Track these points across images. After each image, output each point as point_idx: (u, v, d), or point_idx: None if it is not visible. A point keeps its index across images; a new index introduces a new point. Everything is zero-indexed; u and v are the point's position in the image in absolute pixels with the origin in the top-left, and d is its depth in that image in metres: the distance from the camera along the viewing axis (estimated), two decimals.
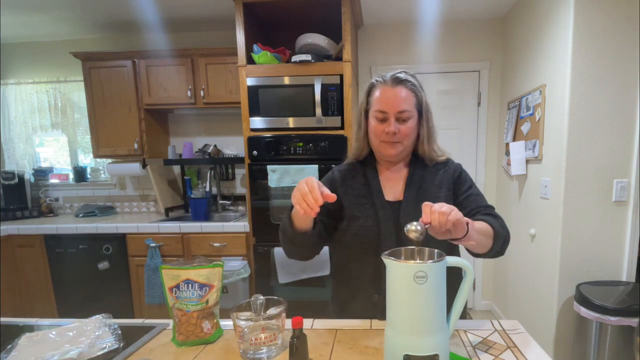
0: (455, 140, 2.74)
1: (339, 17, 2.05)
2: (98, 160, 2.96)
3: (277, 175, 2.14)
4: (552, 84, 1.89)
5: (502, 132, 2.58)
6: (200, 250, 2.32)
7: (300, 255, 0.97)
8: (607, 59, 1.70)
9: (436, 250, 0.70)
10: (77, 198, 3.01)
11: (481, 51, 2.65)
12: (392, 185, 0.99)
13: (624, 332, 1.58)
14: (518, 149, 2.22)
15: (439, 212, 0.69)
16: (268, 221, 2.22)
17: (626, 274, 1.82)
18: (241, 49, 2.12)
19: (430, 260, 0.67)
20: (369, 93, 0.97)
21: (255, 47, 2.12)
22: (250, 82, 2.12)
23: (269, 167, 2.14)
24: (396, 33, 2.67)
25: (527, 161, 2.19)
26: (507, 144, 2.41)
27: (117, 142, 2.59)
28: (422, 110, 0.94)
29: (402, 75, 0.92)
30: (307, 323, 0.92)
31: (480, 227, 0.82)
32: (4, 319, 1.00)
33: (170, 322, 0.91)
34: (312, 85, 2.08)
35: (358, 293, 0.97)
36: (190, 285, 0.83)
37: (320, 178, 2.16)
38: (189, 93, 2.48)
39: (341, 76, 2.07)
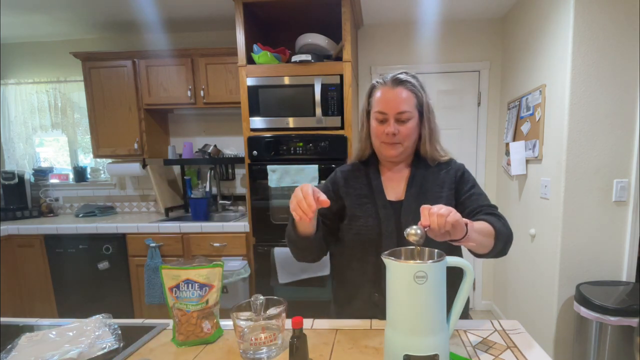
0: (455, 140, 2.74)
1: (339, 17, 2.05)
2: (98, 160, 2.96)
3: (277, 175, 2.14)
4: (552, 84, 1.89)
5: (502, 132, 2.58)
6: (200, 250, 2.32)
7: (306, 258, 0.99)
8: (607, 59, 1.70)
9: (436, 250, 0.70)
10: (77, 198, 3.01)
11: (481, 51, 2.65)
12: (394, 186, 0.99)
13: (624, 332, 1.58)
14: (518, 149, 2.22)
15: (437, 215, 0.69)
16: (268, 221, 2.22)
17: (626, 274, 1.82)
18: (241, 49, 2.12)
19: (430, 260, 0.67)
20: (370, 94, 0.97)
21: (255, 47, 2.12)
22: (250, 82, 2.12)
23: (269, 167, 2.14)
24: (396, 33, 2.67)
25: (527, 161, 2.19)
26: (507, 144, 2.41)
27: (117, 142, 2.59)
28: (423, 111, 0.94)
29: (402, 76, 0.92)
30: (307, 323, 0.92)
31: (480, 227, 0.81)
32: (4, 319, 1.00)
33: (170, 322, 0.91)
34: (312, 85, 2.08)
35: (358, 292, 0.97)
36: (190, 285, 0.83)
37: (320, 178, 2.17)
38: (189, 93, 2.48)
39: (341, 76, 2.07)
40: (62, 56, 2.78)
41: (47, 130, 2.97)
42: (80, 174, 2.98)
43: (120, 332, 0.85)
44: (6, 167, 3.01)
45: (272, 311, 0.80)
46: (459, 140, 2.75)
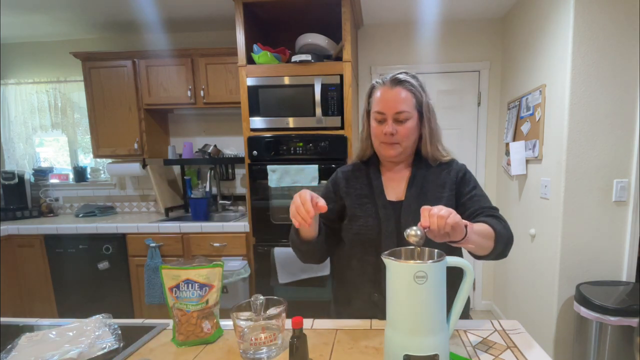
0: (455, 140, 2.74)
1: (339, 17, 2.05)
2: (98, 160, 2.95)
3: (277, 175, 2.14)
4: (552, 84, 1.89)
5: (502, 132, 2.58)
6: (200, 250, 2.32)
7: (312, 260, 1.00)
8: (607, 59, 1.70)
9: (436, 250, 0.70)
10: (77, 198, 3.01)
11: (481, 51, 2.65)
12: (395, 186, 0.99)
13: (624, 332, 1.58)
14: (518, 149, 2.22)
15: (437, 216, 0.69)
16: (268, 221, 2.22)
17: (626, 274, 1.82)
18: (241, 49, 2.12)
19: (430, 260, 0.67)
20: (370, 94, 0.97)
21: (255, 47, 2.12)
22: (250, 82, 2.12)
23: (269, 167, 2.14)
24: (396, 33, 2.67)
25: (527, 161, 2.19)
26: (507, 144, 2.41)
27: (117, 142, 2.59)
28: (422, 111, 0.94)
29: (401, 76, 0.92)
30: (307, 323, 0.92)
31: (480, 229, 0.81)
32: (4, 319, 1.00)
33: (170, 322, 0.91)
34: (312, 85, 2.08)
35: (358, 292, 0.97)
36: (190, 285, 0.83)
37: (320, 178, 2.17)
38: (189, 93, 2.48)
39: (341, 76, 2.07)
40: (62, 56, 2.78)
41: (47, 130, 2.97)
42: (80, 174, 2.98)
43: (120, 332, 0.85)
44: (6, 167, 3.01)
45: (272, 311, 0.80)
46: (459, 140, 2.75)
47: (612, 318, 1.57)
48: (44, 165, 3.08)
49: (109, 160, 2.80)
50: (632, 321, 1.56)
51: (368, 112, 0.98)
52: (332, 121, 2.11)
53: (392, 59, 2.70)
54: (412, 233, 0.69)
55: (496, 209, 0.94)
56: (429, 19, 2.58)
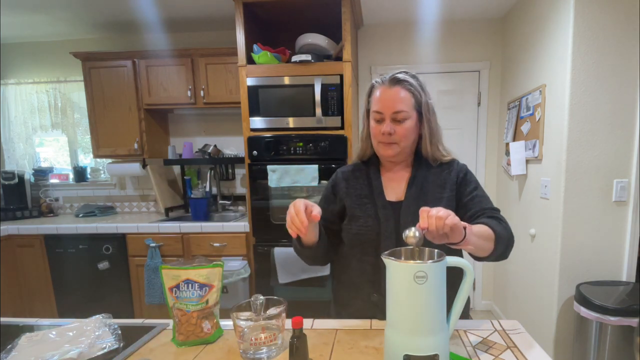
0: (455, 140, 2.74)
1: (339, 17, 2.05)
2: (98, 160, 2.96)
3: (277, 175, 2.14)
4: (552, 84, 1.89)
5: (502, 132, 2.58)
6: (200, 250, 2.32)
7: (316, 263, 1.02)
8: (607, 59, 1.70)
9: (436, 250, 0.70)
10: (77, 198, 3.01)
11: (481, 51, 2.65)
12: (395, 186, 0.98)
13: (624, 332, 1.58)
14: (518, 149, 2.22)
15: (435, 217, 0.69)
16: (268, 221, 2.22)
17: (626, 274, 1.82)
18: (241, 49, 2.12)
19: (430, 260, 0.67)
20: (369, 94, 0.97)
21: (255, 47, 2.12)
22: (250, 82, 2.12)
23: (269, 167, 2.14)
24: (396, 33, 2.67)
25: (527, 161, 2.19)
26: (507, 144, 2.41)
27: (117, 142, 2.59)
28: (422, 111, 0.94)
29: (400, 76, 0.92)
30: (307, 323, 0.92)
31: (480, 230, 0.81)
32: (4, 319, 1.00)
33: (170, 322, 0.91)
34: (312, 85, 2.08)
35: (358, 292, 0.97)
36: (190, 285, 0.83)
37: (320, 178, 2.17)
38: (189, 93, 2.48)
39: (341, 76, 2.07)
40: (62, 56, 2.78)
41: (47, 130, 2.97)
42: (80, 174, 2.98)
43: (120, 332, 0.85)
44: (6, 167, 3.01)
45: (272, 311, 0.80)
46: (459, 140, 2.75)
47: (612, 318, 1.57)
48: (44, 165, 3.08)
49: (109, 160, 2.80)
50: (632, 321, 1.56)
51: (368, 112, 0.98)
52: (332, 121, 2.11)
53: (392, 59, 2.70)
54: (410, 234, 0.69)
55: (497, 210, 0.93)
56: (429, 19, 2.58)
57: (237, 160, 2.64)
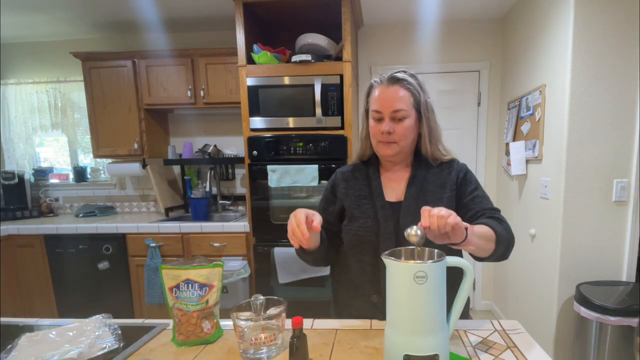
0: (455, 140, 2.74)
1: (339, 17, 2.05)
2: (98, 160, 2.96)
3: (277, 175, 2.14)
4: (552, 84, 1.89)
5: (502, 132, 2.58)
6: (200, 250, 2.32)
7: (319, 265, 1.03)
8: (607, 59, 1.70)
9: (436, 250, 0.70)
10: (77, 198, 3.01)
11: (481, 51, 2.65)
12: (395, 186, 0.98)
13: (624, 332, 1.58)
14: (518, 149, 2.22)
15: (437, 216, 0.69)
16: (268, 221, 2.22)
17: (626, 274, 1.82)
18: (241, 49, 2.12)
19: (430, 260, 0.67)
20: (368, 93, 0.97)
21: (255, 47, 2.12)
22: (250, 82, 2.12)
23: (269, 167, 2.14)
24: (396, 33, 2.67)
25: (527, 161, 2.19)
26: (507, 144, 2.41)
27: (117, 142, 2.59)
28: (421, 110, 0.93)
29: (399, 75, 0.92)
30: (307, 323, 0.92)
31: (481, 231, 0.81)
32: (4, 319, 1.00)
33: (170, 322, 0.91)
34: (312, 85, 2.08)
35: (357, 293, 0.97)
36: (190, 285, 0.83)
37: (320, 178, 2.17)
38: (189, 93, 2.48)
39: (341, 76, 2.07)
40: (62, 56, 2.78)
41: (47, 130, 2.97)
42: (80, 174, 2.98)
43: (120, 332, 0.85)
44: (6, 167, 3.01)
45: (272, 311, 0.80)
46: (459, 140, 2.75)
47: (612, 318, 1.57)
48: (44, 165, 3.08)
49: (109, 160, 2.80)
50: (632, 321, 1.56)
51: (367, 112, 0.98)
52: (332, 121, 2.11)
53: (392, 59, 2.70)
54: (413, 233, 0.69)
55: (498, 210, 0.93)
56: (429, 19, 2.58)
57: (237, 160, 2.64)
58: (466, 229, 0.73)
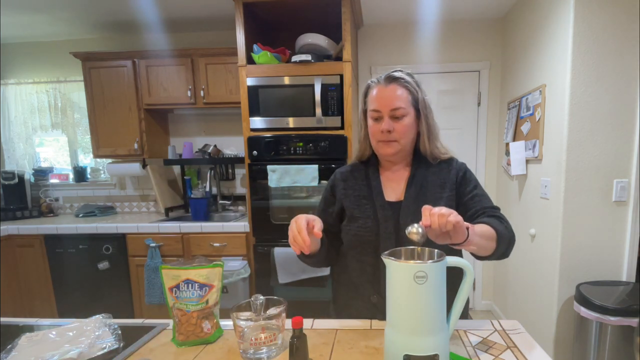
0: (455, 140, 2.74)
1: (339, 17, 2.05)
2: (98, 160, 2.96)
3: (277, 175, 2.14)
4: (552, 84, 1.89)
5: (502, 132, 2.58)
6: (200, 250, 2.32)
7: (321, 266, 1.03)
8: (607, 59, 1.70)
9: (436, 250, 0.70)
10: (77, 198, 3.01)
11: (481, 51, 2.65)
12: (394, 186, 0.98)
13: (624, 332, 1.58)
14: (518, 149, 2.22)
15: (438, 214, 0.69)
16: (268, 221, 2.22)
17: (626, 274, 1.82)
18: (241, 49, 2.12)
19: (430, 260, 0.67)
20: (366, 94, 0.97)
21: (255, 47, 2.12)
22: (250, 82, 2.12)
23: (269, 167, 2.14)
24: (396, 33, 2.67)
25: (527, 161, 2.19)
26: (507, 144, 2.41)
27: (117, 142, 2.59)
28: (419, 108, 0.93)
29: (396, 74, 0.92)
30: (307, 323, 0.92)
31: (482, 230, 0.81)
32: (4, 319, 1.00)
33: (170, 322, 0.91)
34: (312, 85, 2.08)
35: (357, 293, 0.97)
36: (190, 285, 0.83)
37: (320, 178, 2.17)
38: (189, 93, 2.48)
39: (341, 76, 2.08)
40: (62, 56, 2.78)
41: (47, 130, 2.97)
42: (80, 174, 2.98)
43: (120, 332, 0.85)
44: (6, 167, 3.01)
45: (272, 311, 0.80)
46: (459, 140, 2.75)
47: (612, 318, 1.57)
48: (44, 165, 3.08)
49: (109, 160, 2.80)
50: (632, 321, 1.56)
51: (365, 112, 0.98)
52: (332, 121, 2.11)
53: (392, 59, 2.70)
54: (414, 231, 0.69)
55: (497, 209, 0.93)
56: (429, 19, 2.58)
57: (237, 160, 2.64)
58: (467, 228, 0.73)
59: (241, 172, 2.85)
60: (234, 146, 2.84)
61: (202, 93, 2.47)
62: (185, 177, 2.78)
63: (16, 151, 3.02)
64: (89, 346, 0.78)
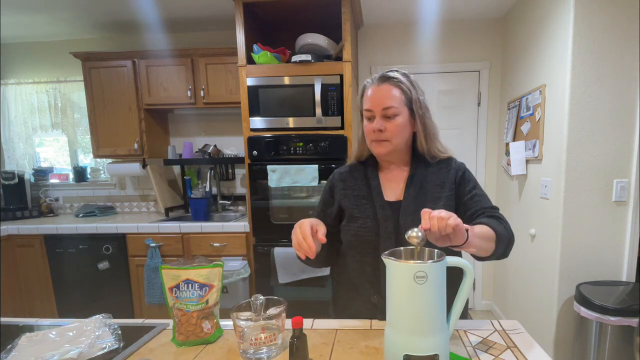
0: (455, 140, 2.74)
1: (339, 17, 2.05)
2: (98, 160, 2.96)
3: (277, 175, 2.14)
4: (552, 84, 1.89)
5: (502, 132, 2.58)
6: (200, 250, 2.32)
7: (321, 266, 1.04)
8: (607, 59, 1.70)
9: (436, 250, 0.70)
10: (77, 198, 3.01)
11: (481, 51, 2.65)
12: (394, 186, 0.98)
13: (624, 332, 1.58)
14: (518, 149, 2.22)
15: (437, 218, 0.69)
16: (268, 221, 2.22)
17: (626, 274, 1.82)
18: (241, 49, 2.12)
19: (430, 260, 0.67)
20: (362, 94, 0.97)
21: (255, 47, 2.12)
22: (250, 82, 2.12)
23: (269, 167, 2.14)
24: (396, 33, 2.67)
25: (527, 161, 2.19)
26: (507, 144, 2.41)
27: (117, 142, 2.59)
28: (413, 107, 0.93)
29: (389, 74, 0.92)
30: (307, 323, 0.92)
31: (481, 231, 0.81)
32: (4, 319, 1.00)
33: (170, 322, 0.91)
34: (312, 85, 2.08)
35: (357, 293, 0.97)
36: (190, 285, 0.83)
37: (320, 178, 2.17)
38: (189, 93, 2.49)
39: (341, 76, 2.08)
40: (62, 56, 2.78)
41: (47, 130, 2.97)
42: (80, 174, 2.98)
43: (120, 332, 0.85)
44: (6, 167, 3.01)
45: (272, 311, 0.80)
46: (459, 140, 2.75)
47: (612, 318, 1.57)
48: (44, 165, 3.08)
49: (109, 160, 2.80)
50: (632, 321, 1.56)
51: (362, 112, 0.98)
52: (332, 121, 2.11)
53: (392, 59, 2.70)
54: (414, 235, 0.69)
55: (497, 209, 0.93)
56: (429, 19, 2.58)
57: (237, 160, 2.64)
58: (467, 230, 0.73)
59: (241, 172, 2.85)
60: (234, 146, 2.84)
61: (202, 93, 2.47)
62: (185, 177, 2.78)
63: (16, 151, 3.02)
64: (89, 346, 0.78)
